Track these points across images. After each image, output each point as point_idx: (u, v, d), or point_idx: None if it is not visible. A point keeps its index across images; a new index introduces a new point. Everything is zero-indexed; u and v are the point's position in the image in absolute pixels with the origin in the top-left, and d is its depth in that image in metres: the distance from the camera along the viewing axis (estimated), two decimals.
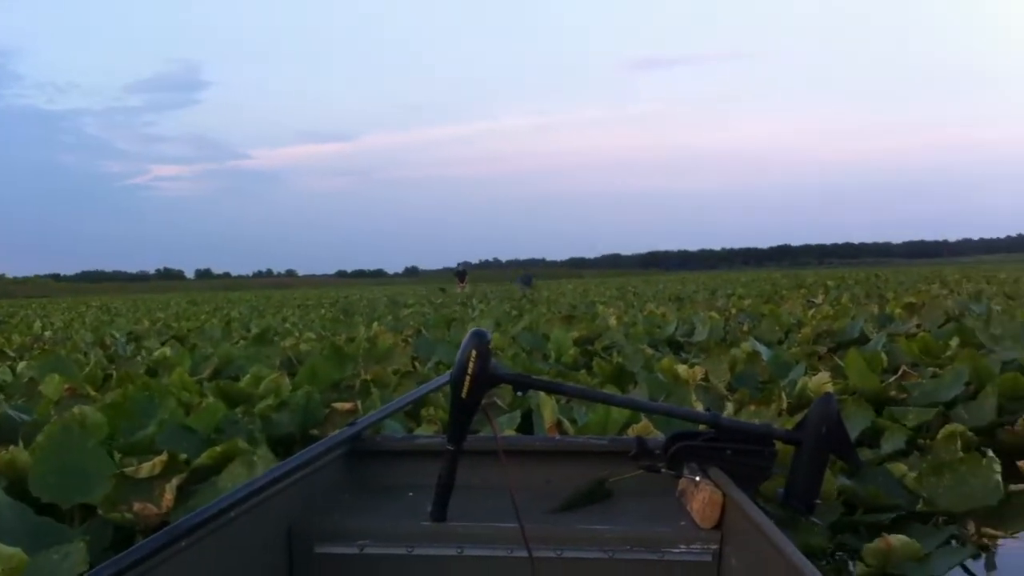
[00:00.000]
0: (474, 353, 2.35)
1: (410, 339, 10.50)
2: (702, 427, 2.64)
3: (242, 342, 11.10)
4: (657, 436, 3.31)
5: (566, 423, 4.48)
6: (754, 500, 2.36)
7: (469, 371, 2.35)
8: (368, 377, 6.62)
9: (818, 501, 2.52)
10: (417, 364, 8.28)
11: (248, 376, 6.52)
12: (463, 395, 2.37)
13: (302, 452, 2.56)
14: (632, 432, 3.97)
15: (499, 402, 5.53)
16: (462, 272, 51.98)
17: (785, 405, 4.94)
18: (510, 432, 4.53)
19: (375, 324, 13.57)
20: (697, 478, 2.47)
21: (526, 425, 5.02)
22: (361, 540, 2.43)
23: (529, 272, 52.82)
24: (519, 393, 2.60)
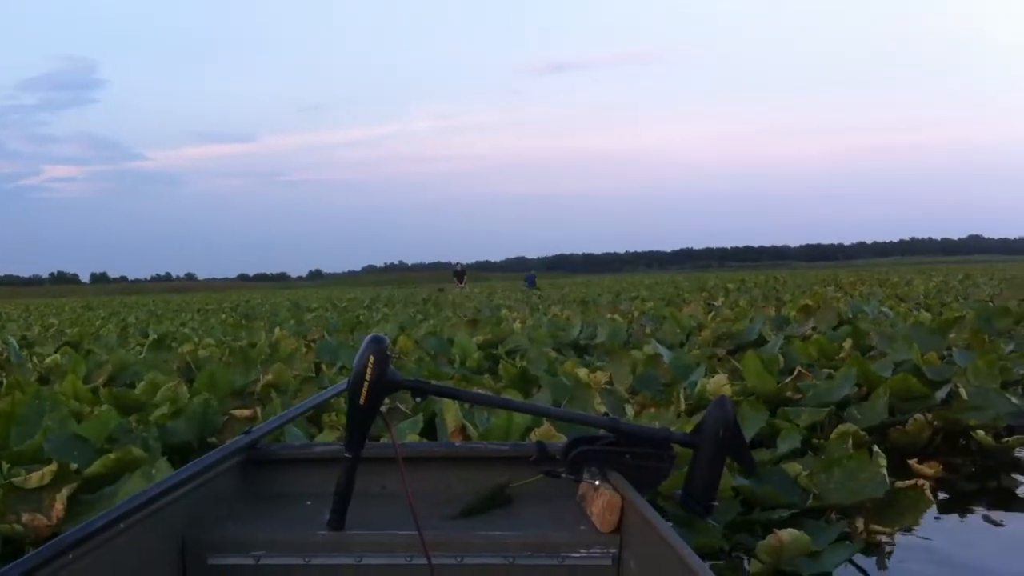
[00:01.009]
0: (372, 359, 2.32)
1: (314, 343, 10.39)
2: (603, 431, 2.66)
3: (139, 348, 10.84)
4: (559, 440, 3.33)
5: (470, 427, 4.49)
6: (653, 503, 2.39)
7: (367, 377, 2.32)
8: (268, 382, 6.53)
9: (715, 503, 2.56)
10: (321, 368, 8.20)
11: (144, 383, 6.38)
12: (361, 402, 2.35)
13: (196, 461, 2.50)
14: (535, 435, 3.99)
15: (402, 407, 5.51)
16: (461, 272, 51.79)
17: (684, 407, 5.03)
18: (413, 437, 4.52)
19: (277, 329, 13.39)
20: (597, 482, 2.49)
21: (430, 430, 5.01)
22: (256, 551, 2.39)
23: (532, 273, 52.82)
24: (418, 399, 2.58)
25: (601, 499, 2.42)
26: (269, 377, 6.60)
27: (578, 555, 2.37)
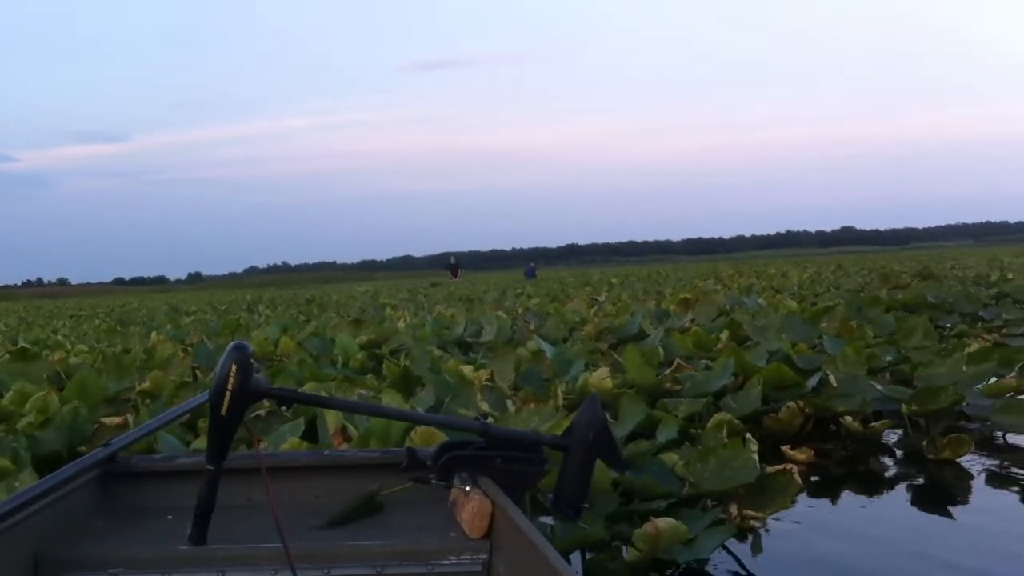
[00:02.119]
0: (234, 368, 2.26)
1: (191, 348, 10.16)
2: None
3: (7, 357, 10.43)
4: (438, 441, 3.33)
5: (351, 428, 4.45)
6: (523, 507, 2.40)
7: (229, 387, 2.26)
8: (143, 389, 6.37)
9: (586, 505, 2.59)
10: (198, 374, 8.02)
11: (11, 392, 6.15)
12: (222, 412, 2.29)
13: (51, 475, 2.41)
14: (416, 435, 3.98)
15: (284, 411, 5.44)
16: (455, 266, 50.69)
17: (562, 402, 5.09)
18: (294, 441, 4.46)
19: (154, 334, 13.05)
20: (467, 488, 2.47)
21: (311, 432, 4.95)
22: (114, 568, 2.31)
23: (532, 265, 52.13)
24: (284, 408, 2.54)
25: (471, 505, 2.41)
26: (145, 384, 6.43)
27: (448, 562, 2.36)
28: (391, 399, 5.06)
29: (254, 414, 4.91)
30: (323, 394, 4.56)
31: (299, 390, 4.40)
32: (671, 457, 4.30)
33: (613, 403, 5.46)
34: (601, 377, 5.85)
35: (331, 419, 4.48)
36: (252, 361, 2.32)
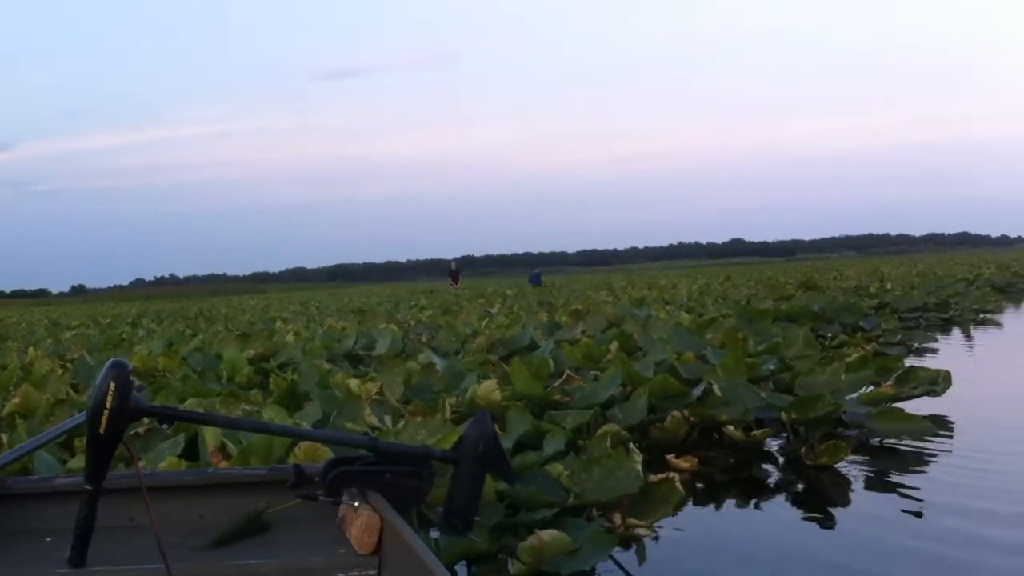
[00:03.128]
0: (113, 385, 2.19)
1: (71, 364, 9.83)
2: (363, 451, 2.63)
3: None
4: (324, 458, 3.27)
5: (230, 445, 4.35)
6: (412, 522, 2.38)
7: (107, 405, 2.18)
8: (16, 407, 6.13)
9: (476, 518, 2.58)
10: (77, 391, 7.76)
11: None
12: (100, 431, 2.23)
13: None
14: (298, 453, 3.91)
15: (162, 428, 5.28)
16: (456, 271, 48.79)
17: (449, 415, 5.08)
18: (173, 460, 4.34)
19: (32, 349, 12.58)
20: (356, 504, 2.44)
21: (191, 450, 4.83)
22: None
23: (537, 271, 50.47)
24: (165, 427, 2.47)
25: (360, 521, 2.38)
26: (16, 401, 6.19)
27: None
28: (274, 415, 4.97)
29: (133, 432, 4.77)
30: (205, 411, 4.46)
31: (180, 407, 4.29)
32: (557, 468, 4.32)
33: (501, 415, 5.46)
34: (489, 389, 5.85)
35: (210, 436, 4.37)
36: (132, 378, 2.25)
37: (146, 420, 4.75)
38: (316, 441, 3.72)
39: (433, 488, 2.60)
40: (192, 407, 5.31)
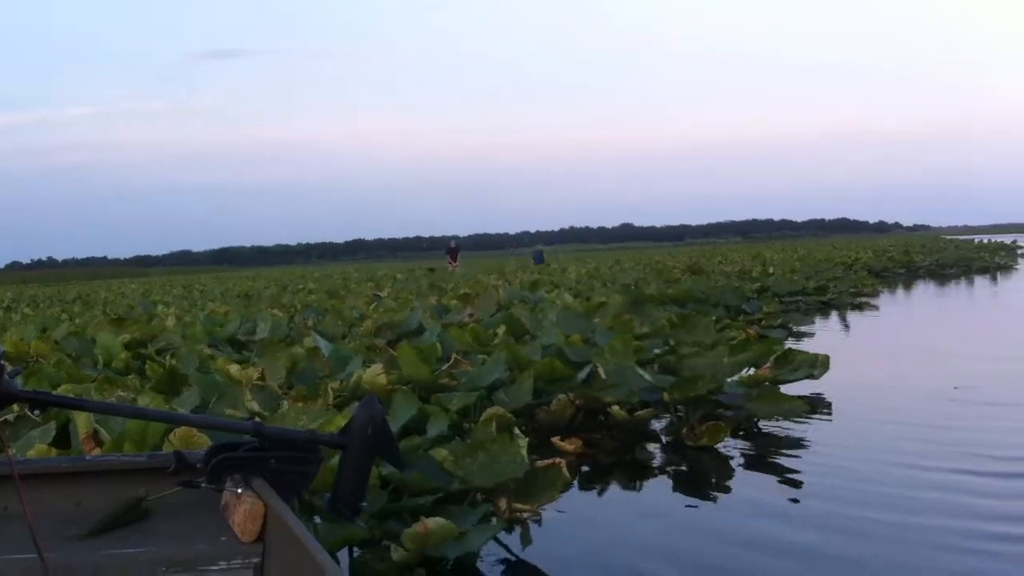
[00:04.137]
0: None
1: None
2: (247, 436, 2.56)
3: None
4: (203, 445, 3.18)
5: (103, 432, 4.20)
6: (296, 509, 2.32)
7: None
8: None
9: (364, 504, 2.53)
10: None
11: None
12: None
13: None
14: (173, 439, 3.79)
15: (32, 414, 5.07)
16: (455, 249, 46.24)
17: (332, 399, 4.99)
18: (42, 448, 4.17)
19: None
20: (239, 490, 2.37)
21: (63, 437, 4.65)
22: None
23: (539, 249, 48.05)
24: (36, 413, 2.35)
25: (243, 508, 2.32)
26: None
27: (218, 567, 2.25)
28: (150, 401, 4.82)
29: (2, 419, 4.58)
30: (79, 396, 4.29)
31: (53, 392, 4.12)
32: (440, 452, 4.28)
33: (388, 400, 5.40)
34: (374, 374, 5.77)
35: (81, 423, 4.21)
36: (3, 362, 2.13)
37: (15, 407, 4.56)
38: (199, 427, 3.62)
39: (319, 473, 2.55)
40: (66, 393, 5.11)
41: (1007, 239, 48.66)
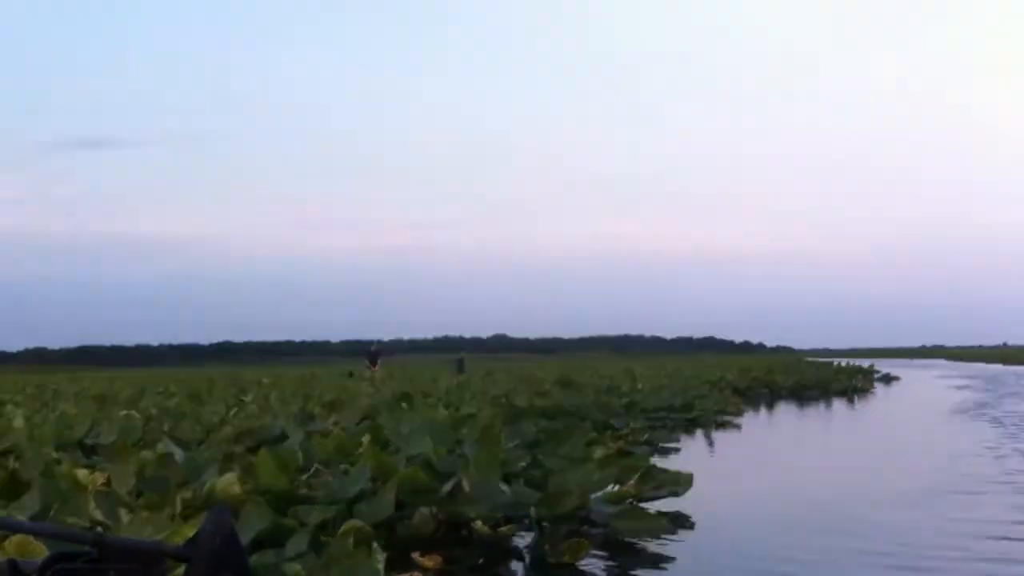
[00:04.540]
0: None
1: None
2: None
3: None
4: (36, 557, 2.96)
5: None
6: None
7: None
8: None
9: None
10: None
11: None
12: None
13: None
14: (8, 546, 3.54)
15: None
16: (375, 353, 42.92)
17: (180, 509, 4.76)
18: None
19: None
20: None
21: None
22: None
23: (461, 357, 45.35)
24: None
25: None
26: None
27: None
28: None
29: None
30: None
31: None
32: (294, 567, 4.10)
33: (241, 510, 5.17)
34: (228, 483, 5.55)
35: None
36: None
37: None
38: (33, 534, 3.37)
39: None
40: None
41: (865, 363, 50.52)
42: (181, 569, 2.52)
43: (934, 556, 5.66)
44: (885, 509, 7.38)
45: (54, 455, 7.56)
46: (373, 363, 41.77)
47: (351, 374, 38.14)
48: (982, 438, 12.77)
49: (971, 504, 7.44)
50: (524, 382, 25.30)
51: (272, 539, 4.93)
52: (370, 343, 46.59)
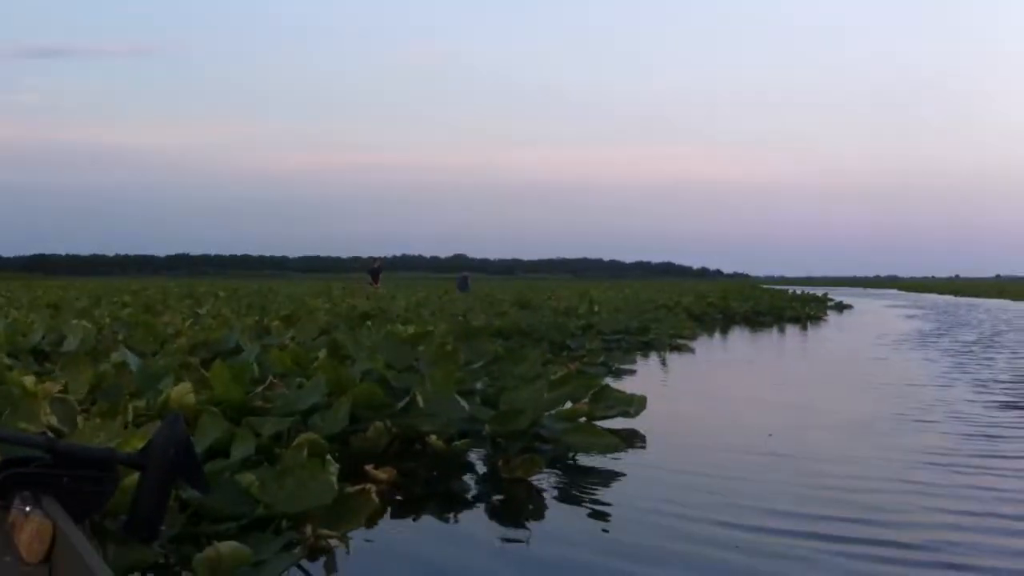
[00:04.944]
0: None
1: None
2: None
3: None
4: None
5: None
6: (89, 531, 2.18)
7: None
8: None
9: (162, 527, 2.39)
10: None
11: None
12: None
13: None
14: None
15: None
16: (377, 270, 41.98)
17: (132, 417, 4.76)
18: None
19: None
20: (27, 508, 2.21)
21: None
22: None
23: (464, 275, 44.43)
24: None
25: (30, 527, 2.16)
26: None
27: None
28: None
29: None
30: None
31: None
32: (246, 477, 4.12)
33: (195, 420, 5.18)
34: (183, 392, 5.54)
35: None
36: None
37: None
38: None
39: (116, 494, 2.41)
40: None
41: (819, 291, 51.21)
42: (133, 477, 2.55)
43: (874, 481, 5.82)
44: (830, 434, 7.56)
45: (6, 362, 7.50)
46: (375, 279, 41.48)
47: (347, 288, 37.70)
48: (928, 367, 13.04)
49: (914, 432, 7.61)
50: (482, 301, 25.39)
51: (225, 449, 4.96)
52: (372, 259, 45.94)
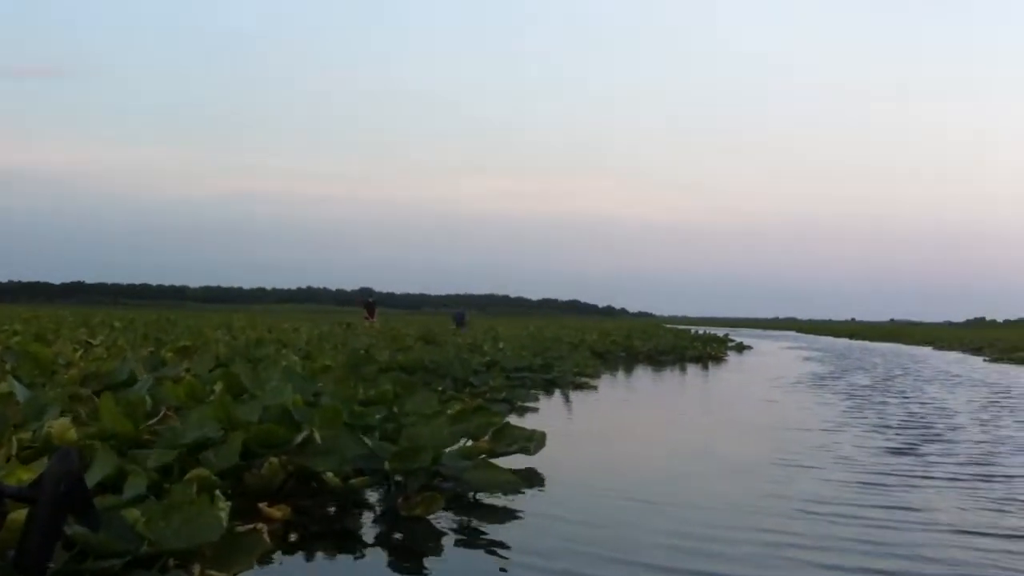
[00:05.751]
0: None
1: None
2: None
3: None
4: None
5: None
6: None
7: None
8: None
9: (51, 564, 2.29)
10: None
11: None
12: None
13: None
14: None
15: None
16: (372, 304, 39.89)
17: (15, 451, 4.58)
18: None
19: None
20: None
21: None
22: None
23: (461, 310, 42.51)
24: None
25: None
26: None
27: None
28: None
29: None
30: None
31: None
32: (132, 513, 3.99)
33: (83, 454, 5.01)
34: (64, 427, 5.35)
35: None
36: None
37: None
38: None
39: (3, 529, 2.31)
40: None
41: (720, 331, 52.20)
42: (21, 512, 2.43)
43: (744, 532, 5.64)
44: (716, 479, 7.53)
45: None
46: (371, 313, 41.05)
47: (349, 325, 37.21)
48: (821, 410, 13.30)
49: (799, 478, 7.57)
50: (387, 336, 25.22)
51: (116, 484, 4.80)
52: (368, 293, 45.53)
